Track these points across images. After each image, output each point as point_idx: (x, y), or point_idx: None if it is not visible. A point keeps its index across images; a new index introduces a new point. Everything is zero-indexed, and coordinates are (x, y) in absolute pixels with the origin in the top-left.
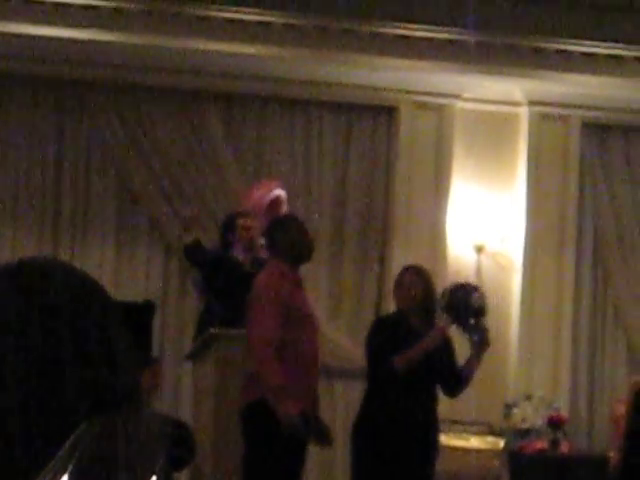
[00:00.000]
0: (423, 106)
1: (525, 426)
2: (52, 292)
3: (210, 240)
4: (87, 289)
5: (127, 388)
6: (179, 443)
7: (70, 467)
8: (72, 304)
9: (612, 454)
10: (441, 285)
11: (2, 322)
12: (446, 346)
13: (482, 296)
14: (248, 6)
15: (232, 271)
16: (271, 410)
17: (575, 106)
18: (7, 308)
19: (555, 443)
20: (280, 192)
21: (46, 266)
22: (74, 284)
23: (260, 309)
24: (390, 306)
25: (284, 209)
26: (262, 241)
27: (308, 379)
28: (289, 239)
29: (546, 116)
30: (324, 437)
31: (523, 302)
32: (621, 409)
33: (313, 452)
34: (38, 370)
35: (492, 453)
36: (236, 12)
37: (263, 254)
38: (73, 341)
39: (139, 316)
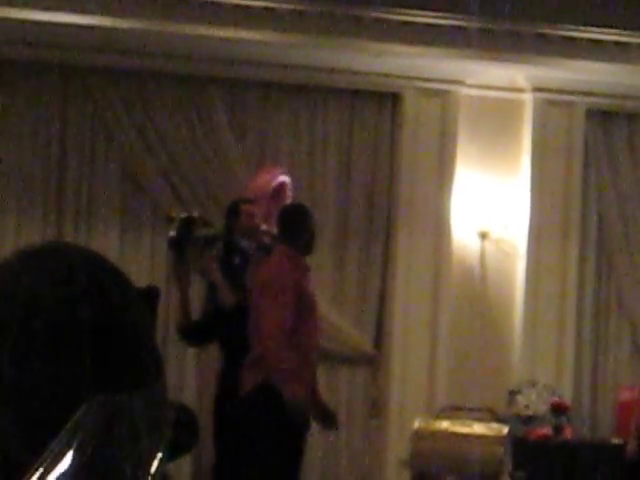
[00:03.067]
0: (427, 92)
1: (529, 413)
2: (73, 273)
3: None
4: (108, 271)
5: (148, 368)
6: (183, 427)
7: (74, 445)
8: (90, 285)
9: (629, 441)
10: (445, 274)
11: (23, 298)
12: None
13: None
14: None
15: (236, 256)
16: (275, 393)
17: (579, 92)
18: (28, 285)
19: (559, 429)
20: (284, 178)
21: (68, 249)
22: (94, 265)
23: (274, 296)
24: (395, 292)
25: (288, 196)
26: (264, 227)
27: (310, 365)
28: (306, 229)
29: (550, 102)
30: (330, 421)
31: (527, 289)
32: (625, 395)
33: (316, 435)
34: (52, 346)
35: (496, 439)
36: None
37: (266, 240)
38: (90, 319)
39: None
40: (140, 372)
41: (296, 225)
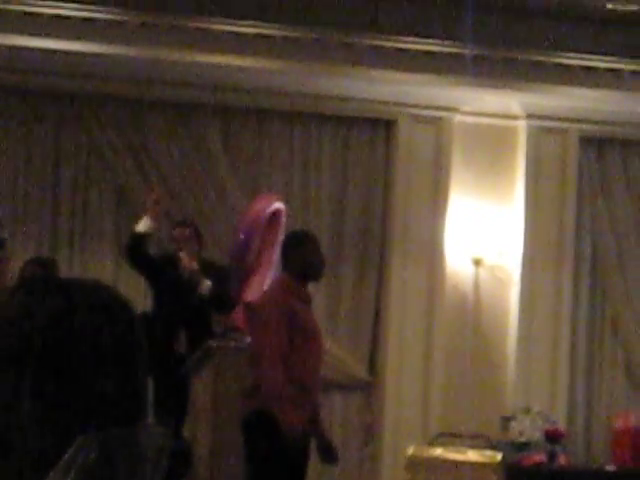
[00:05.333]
0: (421, 119)
1: (523, 439)
2: (87, 308)
3: (213, 253)
4: (118, 306)
5: (140, 404)
6: (177, 456)
7: (69, 479)
8: (101, 320)
9: None
10: (439, 300)
11: (36, 327)
12: None
13: None
14: (247, 19)
15: (169, 278)
16: (272, 420)
17: (573, 119)
18: (44, 316)
19: (552, 456)
20: (280, 205)
21: (83, 283)
22: (106, 300)
23: (267, 321)
24: (389, 318)
25: (283, 222)
26: (182, 253)
27: (305, 394)
28: (301, 256)
29: (544, 129)
30: (331, 455)
31: (521, 315)
32: (620, 422)
33: (314, 461)
34: (58, 378)
35: (490, 466)
36: (235, 25)
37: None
38: (94, 354)
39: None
40: (137, 404)
41: (290, 252)
